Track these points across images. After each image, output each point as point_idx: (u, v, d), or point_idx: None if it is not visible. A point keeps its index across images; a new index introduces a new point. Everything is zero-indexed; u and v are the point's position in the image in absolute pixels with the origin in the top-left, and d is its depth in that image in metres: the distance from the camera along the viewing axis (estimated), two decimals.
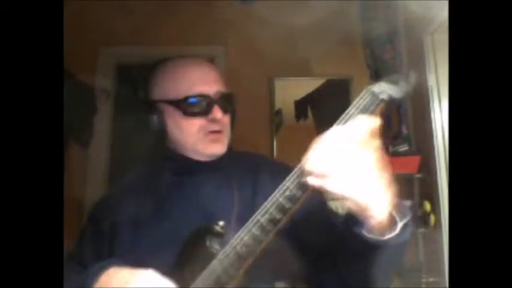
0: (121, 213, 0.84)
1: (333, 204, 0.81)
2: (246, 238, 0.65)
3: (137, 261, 0.73)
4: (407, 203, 2.36)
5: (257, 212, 0.65)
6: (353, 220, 0.63)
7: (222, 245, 0.67)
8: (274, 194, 0.64)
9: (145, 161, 0.98)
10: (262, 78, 2.62)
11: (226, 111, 0.88)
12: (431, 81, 1.95)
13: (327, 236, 0.71)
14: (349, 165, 0.58)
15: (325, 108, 2.59)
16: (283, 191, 0.63)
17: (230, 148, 0.92)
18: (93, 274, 0.73)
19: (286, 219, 0.64)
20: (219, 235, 0.69)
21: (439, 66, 1.99)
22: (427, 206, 2.19)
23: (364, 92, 0.64)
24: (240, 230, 0.66)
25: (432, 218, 2.15)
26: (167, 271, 0.71)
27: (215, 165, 0.88)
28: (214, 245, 0.68)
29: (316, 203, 0.74)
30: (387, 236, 0.61)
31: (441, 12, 1.64)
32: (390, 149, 2.26)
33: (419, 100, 2.22)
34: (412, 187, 2.40)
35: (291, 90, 2.71)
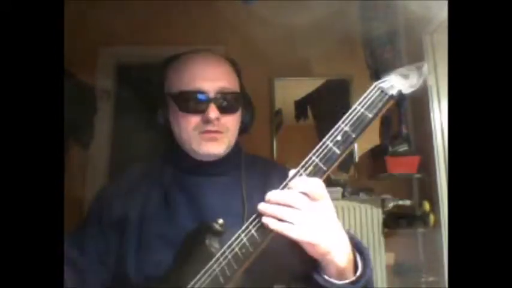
0: (123, 208, 0.82)
1: None
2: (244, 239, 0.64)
3: (138, 259, 0.72)
4: (407, 202, 2.36)
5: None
6: (314, 264, 0.64)
7: (222, 243, 0.67)
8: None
9: (148, 159, 0.95)
10: (262, 78, 2.62)
11: (226, 111, 0.83)
12: (430, 81, 1.96)
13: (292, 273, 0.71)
14: (303, 213, 0.60)
15: (325, 108, 2.59)
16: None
17: (240, 149, 0.91)
18: None
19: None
20: (218, 233, 0.69)
21: (438, 66, 1.99)
22: (427, 206, 2.19)
23: (371, 88, 0.63)
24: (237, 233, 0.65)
25: (431, 217, 2.16)
26: (167, 269, 0.71)
27: (222, 166, 0.86)
28: (213, 243, 0.68)
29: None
30: (345, 281, 0.62)
31: (440, 12, 1.64)
32: (390, 149, 2.26)
33: (419, 100, 2.23)
34: (412, 187, 2.41)
35: (291, 90, 2.71)
